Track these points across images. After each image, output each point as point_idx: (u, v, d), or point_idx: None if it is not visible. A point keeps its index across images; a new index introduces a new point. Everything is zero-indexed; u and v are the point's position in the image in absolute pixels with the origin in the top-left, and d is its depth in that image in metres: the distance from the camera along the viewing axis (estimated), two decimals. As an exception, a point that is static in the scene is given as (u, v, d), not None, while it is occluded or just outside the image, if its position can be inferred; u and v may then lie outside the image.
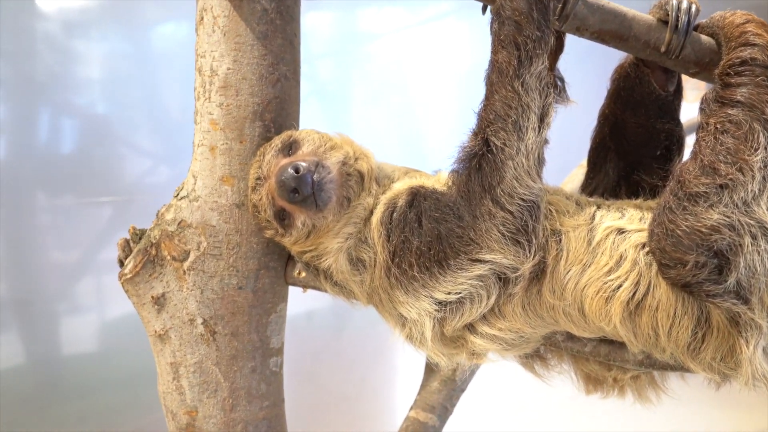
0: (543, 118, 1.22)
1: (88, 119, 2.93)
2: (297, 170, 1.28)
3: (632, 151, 1.47)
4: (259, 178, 1.37)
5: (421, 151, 3.56)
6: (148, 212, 3.11)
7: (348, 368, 3.42)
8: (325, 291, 1.47)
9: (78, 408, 2.79)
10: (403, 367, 3.51)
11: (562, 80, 1.41)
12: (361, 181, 1.37)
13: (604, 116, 1.50)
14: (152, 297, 1.47)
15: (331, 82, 3.52)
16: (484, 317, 1.28)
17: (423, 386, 1.92)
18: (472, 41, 3.50)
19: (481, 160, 1.22)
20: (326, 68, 3.56)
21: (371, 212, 1.36)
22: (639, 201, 1.34)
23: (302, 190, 1.28)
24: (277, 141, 1.39)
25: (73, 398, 2.79)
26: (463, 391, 1.92)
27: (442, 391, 1.88)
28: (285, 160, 1.35)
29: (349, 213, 1.35)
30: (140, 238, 1.49)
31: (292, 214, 1.34)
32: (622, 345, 1.30)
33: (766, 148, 1.10)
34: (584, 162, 2.28)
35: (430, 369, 1.94)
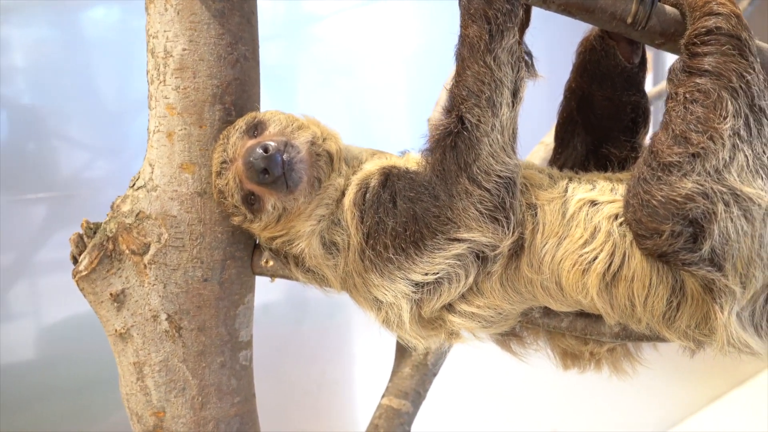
0: (516, 93, 1.24)
1: (15, 111, 2.80)
2: (266, 150, 1.26)
3: (599, 125, 1.50)
4: (224, 162, 1.33)
5: (371, 134, 3.55)
6: (87, 209, 2.98)
7: (309, 361, 3.40)
8: (296, 279, 1.45)
9: (19, 420, 2.68)
10: (364, 357, 3.52)
11: (529, 54, 1.42)
12: (330, 162, 1.36)
13: (571, 90, 1.53)
14: (111, 294, 1.41)
15: (278, 66, 3.46)
16: (462, 295, 1.29)
17: (394, 372, 1.93)
18: (420, 21, 3.51)
19: (456, 138, 1.22)
20: (272, 51, 3.50)
21: (343, 193, 1.35)
22: (608, 174, 1.38)
23: (272, 171, 1.26)
24: (241, 123, 1.36)
25: (12, 410, 2.68)
26: (435, 375, 1.94)
27: (415, 376, 1.89)
28: (252, 141, 1.32)
29: (321, 194, 1.33)
30: (95, 233, 1.42)
31: (261, 197, 1.31)
32: (597, 318, 1.34)
33: (734, 116, 1.15)
34: (545, 139, 2.35)
35: (401, 354, 1.95)
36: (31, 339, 2.85)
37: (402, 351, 1.95)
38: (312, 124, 1.40)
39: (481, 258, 1.27)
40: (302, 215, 1.33)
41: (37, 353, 2.87)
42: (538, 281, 1.26)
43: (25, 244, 2.84)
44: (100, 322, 1.47)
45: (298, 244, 1.34)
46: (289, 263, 1.42)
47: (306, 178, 1.31)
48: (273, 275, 1.52)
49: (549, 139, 2.28)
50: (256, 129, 1.35)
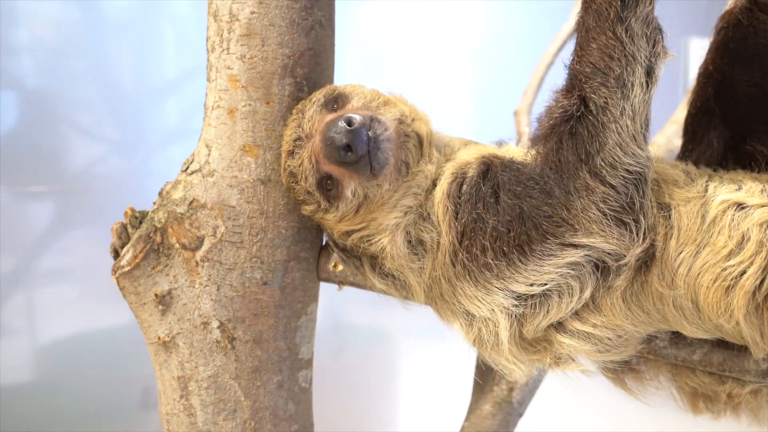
0: (651, 71, 1.28)
1: (21, 93, 2.96)
2: (350, 123, 1.33)
3: (743, 116, 1.53)
4: (298, 139, 1.41)
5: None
6: (97, 208, 3.11)
7: (349, 395, 3.46)
8: (371, 286, 1.52)
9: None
10: (408, 394, 3.57)
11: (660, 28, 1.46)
12: (419, 146, 1.43)
13: (707, 74, 1.57)
14: (156, 295, 1.50)
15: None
16: (575, 312, 1.33)
17: (472, 410, 1.97)
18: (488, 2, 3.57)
19: (577, 123, 1.27)
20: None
21: (434, 183, 1.41)
22: (757, 174, 1.40)
23: (356, 148, 1.32)
24: (319, 95, 1.44)
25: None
26: (521, 415, 1.97)
27: (497, 415, 1.93)
28: (332, 115, 1.39)
29: (408, 181, 1.40)
30: (140, 222, 1.52)
31: (340, 181, 1.38)
32: (741, 350, 1.36)
33: None
34: (657, 138, 2.38)
35: (480, 389, 1.99)
36: (27, 359, 2.98)
37: (481, 385, 1.99)
38: (400, 102, 1.47)
39: (602, 269, 1.31)
40: (386, 205, 1.39)
41: (33, 375, 3.00)
42: (670, 298, 1.30)
43: (26, 248, 2.97)
44: (140, 328, 1.56)
45: (379, 241, 1.41)
46: (363, 266, 1.48)
47: (393, 161, 1.38)
48: (341, 282, 1.59)
49: (661, 139, 2.32)
50: (336, 102, 1.42)
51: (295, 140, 1.41)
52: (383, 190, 1.38)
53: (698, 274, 1.29)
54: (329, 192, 1.40)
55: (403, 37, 3.54)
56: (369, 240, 1.42)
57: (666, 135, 2.27)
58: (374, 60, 3.49)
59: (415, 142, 1.42)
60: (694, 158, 1.60)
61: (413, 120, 1.44)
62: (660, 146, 2.24)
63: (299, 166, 1.40)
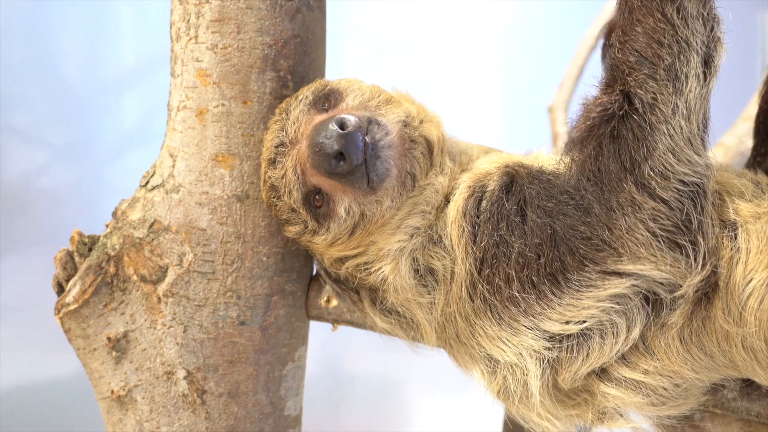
0: (709, 60, 1.29)
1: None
2: (342, 126, 1.34)
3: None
4: (281, 145, 1.43)
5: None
6: (39, 231, 3.09)
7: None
8: (371, 326, 1.54)
9: None
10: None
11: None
12: (429, 154, 1.45)
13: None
14: (108, 338, 1.52)
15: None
16: (621, 356, 1.35)
17: (500, 478, 1.98)
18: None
19: (619, 124, 1.29)
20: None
21: (446, 199, 1.43)
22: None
23: (350, 155, 1.34)
24: (307, 92, 1.46)
25: None
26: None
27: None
28: (322, 116, 1.42)
29: (415, 197, 1.42)
30: (90, 249, 1.54)
31: (331, 196, 1.40)
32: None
33: None
34: (724, 139, 2.40)
35: (510, 452, 2.00)
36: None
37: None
38: (405, 100, 1.49)
39: (653, 302, 1.32)
40: (387, 226, 1.41)
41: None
42: (739, 337, 1.31)
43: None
44: (89, 379, 1.58)
45: (380, 269, 1.42)
46: (362, 300, 1.50)
47: (395, 172, 1.40)
48: (336, 321, 1.61)
49: (730, 140, 2.34)
50: (327, 100, 1.45)
51: (277, 146, 1.44)
52: (384, 207, 1.40)
53: None
54: (318, 209, 1.42)
55: (413, 20, 3.53)
56: (367, 268, 1.44)
57: (736, 135, 2.29)
58: (377, 48, 3.49)
59: (424, 149, 1.44)
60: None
61: (421, 122, 1.46)
62: (729, 149, 2.26)
63: (282, 177, 1.42)
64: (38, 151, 3.20)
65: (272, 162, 1.44)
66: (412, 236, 1.42)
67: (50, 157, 3.23)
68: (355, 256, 1.45)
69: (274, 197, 1.46)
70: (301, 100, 1.46)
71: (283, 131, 1.44)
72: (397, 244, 1.42)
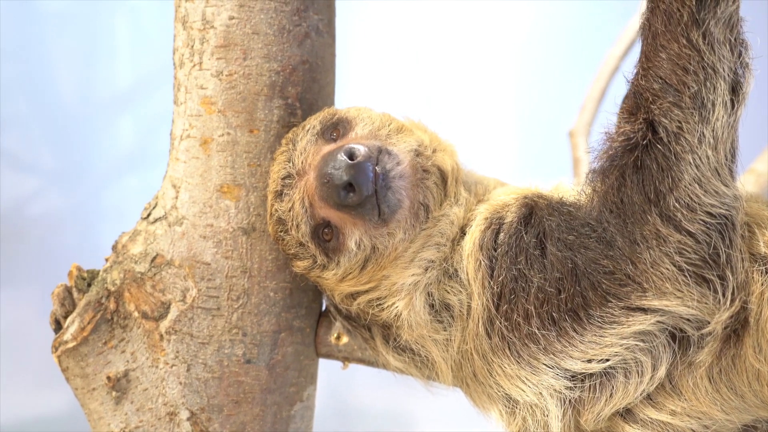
0: (737, 88, 1.30)
1: None
2: (351, 156, 1.36)
3: None
4: (288, 177, 1.45)
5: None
6: (33, 262, 3.06)
7: None
8: (384, 364, 1.55)
9: None
10: None
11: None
12: (443, 184, 1.47)
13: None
14: (108, 378, 1.53)
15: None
16: (647, 396, 1.35)
17: None
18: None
19: (643, 153, 1.30)
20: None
21: (462, 231, 1.45)
22: None
23: (360, 186, 1.36)
24: (314, 121, 1.49)
25: None
26: None
27: None
28: (330, 146, 1.43)
29: (429, 229, 1.44)
30: (89, 285, 1.56)
31: (341, 229, 1.42)
32: None
33: None
34: (756, 165, 2.41)
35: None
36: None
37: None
38: (417, 129, 1.51)
39: (679, 339, 1.33)
40: (400, 260, 1.43)
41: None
42: None
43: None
44: (87, 420, 1.59)
45: (393, 305, 1.44)
46: (374, 338, 1.51)
47: (408, 203, 1.41)
48: (347, 359, 1.62)
49: (762, 167, 2.35)
50: (335, 130, 1.47)
51: (284, 178, 1.46)
52: (396, 240, 1.42)
53: None
54: (327, 243, 1.43)
55: (425, 44, 3.50)
56: (380, 304, 1.45)
57: None
58: (387, 74, 3.49)
59: (437, 179, 1.46)
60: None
61: (435, 151, 1.48)
62: (760, 175, 2.27)
63: (289, 210, 1.44)
64: (31, 175, 3.20)
65: (279, 194, 1.46)
66: (426, 270, 1.44)
67: (44, 181, 3.23)
68: (366, 291, 1.46)
69: (281, 231, 1.47)
70: (308, 130, 1.48)
71: (290, 162, 1.46)
72: (411, 278, 1.43)
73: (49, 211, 3.19)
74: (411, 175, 1.43)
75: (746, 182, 2.39)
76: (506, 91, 3.51)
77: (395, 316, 1.44)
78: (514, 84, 3.50)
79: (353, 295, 1.48)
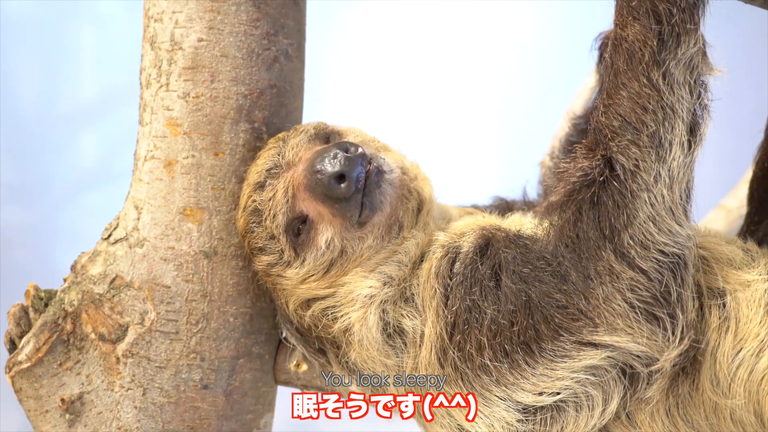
0: (695, 129, 1.39)
1: None
2: (347, 151, 1.45)
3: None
4: (274, 167, 1.54)
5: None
6: None
7: None
8: (341, 387, 1.58)
9: None
10: None
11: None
12: (417, 211, 1.56)
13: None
14: (62, 400, 1.59)
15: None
16: (604, 427, 1.43)
17: None
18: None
19: (600, 190, 1.39)
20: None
21: (422, 256, 1.54)
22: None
23: (351, 179, 1.44)
24: (308, 127, 1.59)
25: None
26: None
27: None
28: (324, 146, 1.53)
29: (396, 246, 1.53)
30: (46, 305, 1.62)
31: (316, 224, 1.50)
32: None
33: None
34: (725, 201, 2.50)
35: None
36: None
37: None
38: (399, 156, 1.63)
39: (629, 375, 1.41)
40: (362, 267, 1.51)
41: None
42: (727, 410, 1.40)
43: None
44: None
45: (346, 316, 1.51)
46: (327, 354, 1.58)
47: (389, 211, 1.51)
48: (305, 386, 1.69)
49: (732, 203, 2.43)
50: (328, 139, 1.57)
51: (269, 169, 1.54)
52: (365, 245, 1.51)
53: (763, 378, 1.38)
54: (298, 237, 1.52)
55: (398, 71, 3.55)
56: (334, 313, 1.52)
57: (739, 198, 2.34)
58: (359, 100, 3.50)
59: (415, 205, 1.56)
60: (762, 233, 1.73)
61: (416, 177, 1.59)
62: (730, 212, 2.35)
63: (269, 200, 1.52)
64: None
65: (260, 185, 1.54)
66: (384, 284, 1.51)
67: (1, 196, 3.23)
68: (324, 297, 1.53)
69: (253, 222, 1.55)
70: (302, 132, 1.58)
71: (279, 155, 1.55)
72: (367, 289, 1.50)
73: (5, 228, 3.17)
74: (399, 187, 1.53)
75: (716, 218, 2.49)
76: (483, 122, 3.58)
77: (346, 328, 1.51)
78: (491, 115, 3.54)
79: (309, 302, 1.54)
